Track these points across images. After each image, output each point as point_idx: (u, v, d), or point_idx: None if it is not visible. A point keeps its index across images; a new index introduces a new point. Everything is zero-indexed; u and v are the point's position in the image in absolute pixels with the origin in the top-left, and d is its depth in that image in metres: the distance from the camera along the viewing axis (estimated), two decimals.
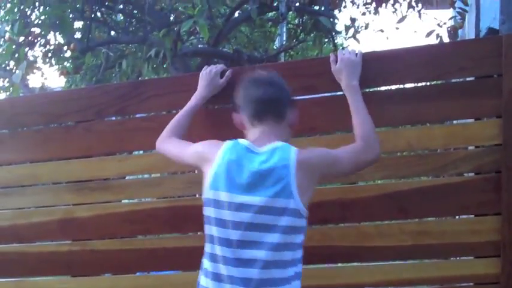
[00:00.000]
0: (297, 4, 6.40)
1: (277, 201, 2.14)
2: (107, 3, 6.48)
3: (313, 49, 8.43)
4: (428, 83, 2.86)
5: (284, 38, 7.89)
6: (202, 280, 2.26)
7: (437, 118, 2.72)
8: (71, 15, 6.27)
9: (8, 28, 6.11)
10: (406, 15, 6.27)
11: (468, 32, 3.96)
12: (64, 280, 3.19)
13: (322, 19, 5.70)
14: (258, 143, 2.25)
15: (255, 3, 5.80)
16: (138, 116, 3.14)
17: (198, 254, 2.92)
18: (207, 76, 2.73)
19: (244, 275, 2.13)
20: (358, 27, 6.72)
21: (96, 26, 6.92)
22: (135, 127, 3.00)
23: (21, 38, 6.31)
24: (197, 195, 3.01)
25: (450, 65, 2.63)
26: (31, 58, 6.75)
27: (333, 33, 7.12)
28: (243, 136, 2.36)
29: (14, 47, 6.17)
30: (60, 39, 6.83)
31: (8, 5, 6.15)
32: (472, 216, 2.74)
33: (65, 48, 6.94)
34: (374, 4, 6.70)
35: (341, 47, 10.52)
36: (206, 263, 2.26)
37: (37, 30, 6.45)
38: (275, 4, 6.22)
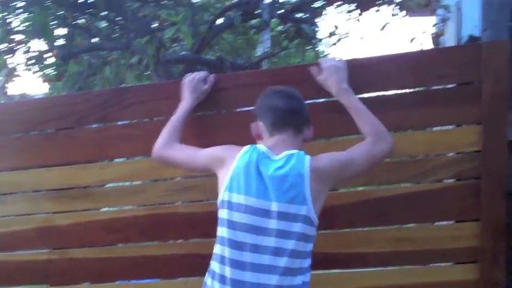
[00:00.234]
0: (280, 11, 6.41)
1: (291, 207, 2.17)
2: (89, 10, 6.45)
3: (296, 56, 8.45)
4: (409, 90, 2.88)
5: (267, 45, 7.89)
6: (209, 281, 2.27)
7: (418, 125, 2.73)
8: (53, 22, 6.23)
9: None
10: (388, 23, 6.32)
11: (449, 39, 3.99)
12: None
13: (305, 26, 5.72)
14: (275, 150, 2.27)
15: (238, 11, 5.81)
16: (119, 123, 3.13)
17: (178, 262, 2.93)
18: (190, 83, 2.73)
19: (253, 280, 2.15)
20: (341, 34, 6.75)
21: (79, 32, 6.87)
22: (117, 134, 2.99)
23: (2, 45, 6.27)
24: (178, 203, 3.00)
25: (431, 72, 2.65)
26: (12, 65, 6.69)
27: (316, 41, 7.14)
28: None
29: None
30: (43, 46, 6.79)
31: None
32: (452, 222, 2.75)
33: (47, 55, 6.90)
34: (357, 11, 6.72)
35: (323, 55, 10.55)
36: (214, 265, 2.26)
37: (19, 37, 6.41)
38: (258, 11, 6.22)
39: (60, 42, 6.66)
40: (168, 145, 2.58)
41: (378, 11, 6.52)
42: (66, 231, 3.03)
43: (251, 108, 2.60)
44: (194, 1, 6.51)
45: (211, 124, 2.84)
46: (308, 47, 7.46)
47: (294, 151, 2.25)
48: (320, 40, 7.46)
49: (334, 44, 6.58)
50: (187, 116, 2.69)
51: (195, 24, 5.69)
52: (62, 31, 6.76)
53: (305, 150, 2.34)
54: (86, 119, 3.00)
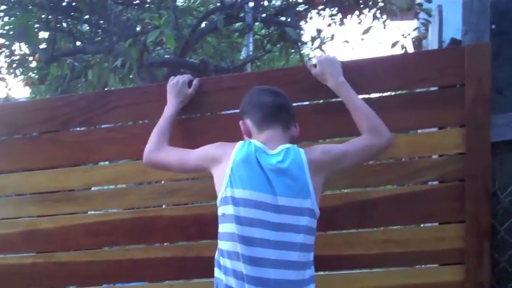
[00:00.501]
0: (264, 15, 6.42)
1: (296, 201, 2.18)
2: (72, 14, 6.42)
3: (280, 60, 8.46)
4: (392, 93, 2.90)
5: (251, 49, 7.91)
6: (223, 277, 2.22)
7: (401, 127, 2.75)
8: (36, 26, 6.20)
9: None
10: (371, 27, 6.34)
11: (431, 43, 4.02)
12: None
13: (289, 30, 5.73)
14: (268, 144, 2.27)
15: (222, 14, 5.81)
16: (103, 126, 3.12)
17: (164, 265, 2.92)
18: (175, 87, 2.72)
19: (263, 275, 2.14)
20: (324, 38, 6.76)
21: (62, 36, 6.84)
22: (101, 138, 2.98)
23: None
24: (163, 206, 3.00)
25: (414, 75, 2.67)
26: None
27: (299, 44, 7.16)
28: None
29: None
30: (25, 49, 6.75)
31: None
32: (437, 224, 2.77)
33: (30, 58, 6.87)
34: (339, 15, 6.75)
35: (307, 58, 10.58)
36: (225, 261, 2.23)
37: (1, 40, 6.38)
38: (241, 15, 6.23)
39: (43, 45, 6.63)
40: (157, 149, 2.57)
41: (359, 15, 6.54)
42: (52, 234, 3.01)
43: (235, 111, 2.61)
44: (178, 4, 6.50)
45: (196, 127, 2.84)
46: (292, 50, 7.48)
47: (289, 145, 2.27)
48: (305, 43, 7.48)
49: (317, 47, 6.57)
50: (173, 120, 2.68)
51: (179, 27, 5.69)
52: (45, 34, 6.73)
53: None
54: (70, 122, 2.99)
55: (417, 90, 2.78)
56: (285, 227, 2.17)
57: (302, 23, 6.80)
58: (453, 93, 2.64)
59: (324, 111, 2.74)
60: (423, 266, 2.86)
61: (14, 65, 7.03)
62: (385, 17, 6.49)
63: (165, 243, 3.06)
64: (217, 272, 2.26)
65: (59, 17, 6.14)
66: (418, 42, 5.97)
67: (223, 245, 2.24)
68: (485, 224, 2.61)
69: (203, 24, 6.50)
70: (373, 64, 2.69)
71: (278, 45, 7.13)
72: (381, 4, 6.37)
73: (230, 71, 6.14)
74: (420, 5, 6.04)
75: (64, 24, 6.65)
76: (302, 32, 7.23)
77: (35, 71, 7.16)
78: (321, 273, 2.81)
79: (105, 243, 3.03)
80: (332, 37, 7.16)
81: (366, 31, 6.22)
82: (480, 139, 2.59)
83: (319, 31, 6.60)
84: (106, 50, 6.04)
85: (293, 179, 2.19)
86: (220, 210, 2.26)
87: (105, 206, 3.07)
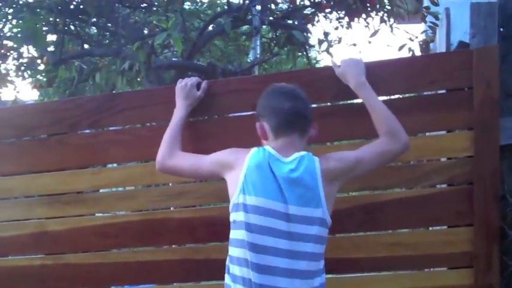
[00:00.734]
0: (271, 18, 6.43)
1: (307, 210, 2.17)
2: (80, 16, 6.45)
3: (287, 63, 8.47)
4: (400, 96, 2.89)
5: (258, 52, 7.92)
6: (232, 285, 2.23)
7: (409, 130, 2.73)
8: (44, 28, 6.23)
9: None
10: (378, 30, 6.34)
11: (439, 46, 4.01)
12: None
13: (296, 33, 5.74)
14: (283, 152, 2.26)
15: (229, 17, 5.82)
16: (111, 129, 3.13)
17: (172, 267, 2.92)
18: (183, 90, 2.71)
19: (270, 283, 2.14)
20: (331, 41, 6.75)
21: (70, 39, 6.87)
22: (109, 140, 2.98)
23: None
24: (171, 208, 3.00)
25: (422, 78, 2.66)
26: (3, 71, 6.69)
27: (307, 47, 7.16)
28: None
29: None
30: (33, 52, 6.78)
31: None
32: (445, 227, 2.76)
33: (38, 61, 6.90)
34: (347, 18, 6.75)
35: (315, 61, 10.58)
36: (234, 268, 2.23)
37: (10, 43, 6.40)
38: (249, 18, 6.24)
39: (51, 48, 6.65)
40: (170, 155, 2.56)
41: (366, 18, 6.54)
42: (60, 236, 3.01)
43: (243, 113, 2.61)
44: (185, 7, 6.51)
45: (203, 130, 2.84)
46: (299, 54, 7.48)
47: (303, 153, 2.25)
48: (312, 46, 7.48)
49: (324, 50, 6.57)
50: (182, 123, 2.67)
51: (186, 30, 5.70)
52: (53, 37, 6.76)
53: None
54: (78, 124, 2.99)
55: (425, 93, 2.78)
56: (294, 235, 2.17)
57: (309, 26, 6.80)
58: (461, 96, 2.63)
59: (331, 114, 2.73)
60: (431, 269, 2.85)
61: (22, 68, 7.06)
62: (392, 20, 6.48)
63: (173, 246, 3.06)
64: (227, 278, 2.27)
65: (67, 19, 6.17)
66: (425, 45, 5.97)
67: (233, 251, 2.24)
68: (494, 227, 2.60)
69: (210, 27, 6.52)
70: (381, 67, 2.69)
71: (285, 48, 7.14)
72: (388, 7, 6.36)
73: (237, 73, 6.15)
74: (428, 8, 6.03)
75: (72, 27, 6.68)
76: (309, 35, 7.22)
77: (43, 74, 7.19)
78: (329, 276, 2.81)
79: (113, 245, 3.03)
80: (339, 40, 7.17)
81: (373, 34, 6.23)
82: (489, 142, 2.59)
83: (326, 34, 6.60)
84: (114, 52, 6.06)
85: (305, 188, 2.18)
86: (232, 217, 2.27)
87: (113, 208, 3.07)
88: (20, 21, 5.84)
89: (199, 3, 7.87)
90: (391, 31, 6.52)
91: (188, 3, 7.18)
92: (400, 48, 5.89)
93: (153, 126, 2.97)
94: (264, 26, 6.46)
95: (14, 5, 5.98)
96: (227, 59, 7.91)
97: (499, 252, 2.60)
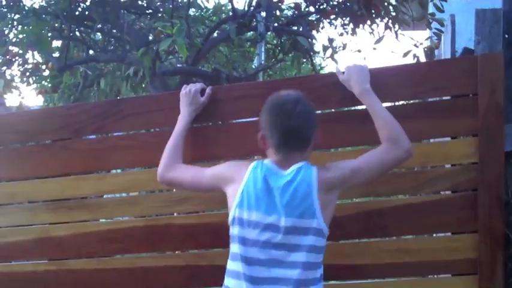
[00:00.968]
0: (276, 24, 6.43)
1: (301, 221, 2.17)
2: (85, 22, 6.46)
3: (292, 69, 8.47)
4: (405, 102, 2.89)
5: (262, 58, 7.92)
6: None
7: (414, 136, 2.73)
8: (49, 34, 6.25)
9: None
10: (383, 36, 6.34)
11: (444, 52, 4.01)
12: None
13: (301, 39, 5.74)
14: (282, 165, 2.26)
15: (234, 23, 5.83)
16: (116, 134, 3.13)
17: (176, 273, 2.92)
18: (187, 95, 2.71)
19: None
20: (336, 47, 6.75)
21: (75, 44, 6.88)
22: (113, 145, 2.99)
23: None
24: (175, 214, 3.00)
25: (426, 84, 2.65)
26: (8, 77, 6.70)
27: (311, 54, 7.16)
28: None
29: None
30: (39, 58, 6.80)
31: None
32: (449, 234, 2.76)
33: (43, 67, 6.91)
34: (351, 25, 6.75)
35: (319, 67, 10.58)
36: (229, 281, 2.25)
37: (15, 49, 6.42)
38: (254, 24, 6.24)
39: (56, 54, 6.67)
40: (171, 167, 2.56)
41: (371, 25, 6.54)
42: (64, 242, 3.02)
43: (247, 120, 2.61)
44: (190, 13, 6.52)
45: (208, 136, 2.84)
46: (304, 60, 7.48)
47: (301, 163, 2.24)
48: (316, 53, 7.48)
49: (329, 57, 6.57)
50: (186, 130, 2.68)
51: (191, 36, 5.71)
52: (58, 43, 6.78)
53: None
54: (83, 130, 3.00)
55: (430, 100, 2.77)
56: (288, 246, 2.18)
57: (314, 32, 6.80)
58: (466, 103, 2.63)
59: (336, 120, 2.73)
60: (435, 276, 2.85)
61: (27, 74, 7.08)
62: (397, 26, 6.48)
63: (177, 251, 3.06)
64: None
65: (72, 25, 6.18)
66: (430, 51, 5.96)
67: (229, 264, 2.28)
68: (499, 234, 2.59)
69: (215, 34, 6.53)
70: (385, 73, 2.68)
71: (290, 55, 7.14)
72: (393, 14, 6.36)
73: (242, 80, 6.16)
74: (433, 14, 6.03)
75: (77, 33, 6.69)
76: (314, 41, 7.22)
77: (48, 80, 7.20)
78: (332, 282, 2.81)
79: (117, 251, 3.03)
80: (344, 46, 7.17)
81: (378, 41, 6.23)
82: (493, 148, 2.58)
83: (331, 40, 6.60)
84: (119, 58, 6.07)
85: (300, 199, 2.18)
86: (230, 231, 2.29)
87: (117, 213, 3.08)
88: (26, 27, 5.85)
89: (205, 10, 7.88)
90: (396, 38, 6.51)
91: (193, 9, 7.18)
92: (405, 54, 5.89)
93: (158, 132, 2.98)
94: (268, 33, 6.46)
95: (20, 11, 5.99)
96: (232, 65, 7.92)
97: (503, 258, 2.59)
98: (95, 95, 6.90)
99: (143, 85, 6.06)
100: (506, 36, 2.77)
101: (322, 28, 7.03)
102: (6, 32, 6.10)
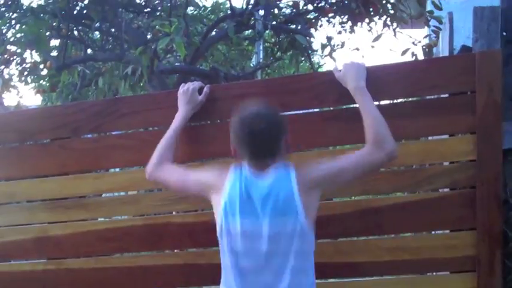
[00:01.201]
0: (274, 23, 6.42)
1: (285, 226, 2.17)
2: (83, 21, 6.45)
3: (290, 67, 8.46)
4: (403, 100, 2.89)
5: (261, 56, 7.92)
6: None
7: (412, 134, 2.74)
8: (47, 33, 6.23)
9: None
10: (381, 34, 6.33)
11: (442, 50, 4.01)
12: None
13: (299, 37, 5.73)
14: (258, 169, 2.24)
15: (232, 22, 5.82)
16: (114, 133, 3.13)
17: (175, 272, 2.92)
18: (185, 94, 2.72)
19: None
20: (334, 45, 6.74)
21: (73, 43, 6.87)
22: (111, 144, 2.99)
23: None
24: (174, 213, 3.00)
25: (424, 82, 2.65)
26: (6, 76, 6.69)
27: (310, 52, 7.15)
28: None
29: None
30: (37, 57, 6.79)
31: None
32: (448, 231, 2.76)
33: (41, 66, 6.91)
34: (350, 23, 6.74)
35: (318, 65, 10.58)
36: None
37: (13, 48, 6.41)
38: (252, 22, 6.23)
39: (54, 53, 6.66)
40: (159, 165, 2.57)
41: (369, 23, 6.53)
42: (63, 241, 3.02)
43: None
44: (188, 12, 6.51)
45: (206, 134, 2.84)
46: (302, 58, 7.47)
47: (279, 166, 2.24)
48: (315, 51, 7.47)
49: (327, 55, 6.56)
50: (182, 128, 2.68)
51: (189, 35, 5.70)
52: (56, 42, 6.77)
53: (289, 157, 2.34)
54: (81, 129, 3.00)
55: (428, 97, 2.77)
56: (274, 253, 2.18)
57: (312, 30, 6.79)
58: (464, 100, 2.63)
59: (333, 119, 2.73)
60: (434, 273, 2.85)
61: (25, 73, 7.06)
62: (395, 24, 6.47)
63: (175, 250, 3.06)
64: None
65: (70, 24, 6.17)
66: (428, 49, 5.96)
67: (222, 273, 2.30)
68: (497, 231, 2.59)
69: (213, 32, 6.51)
70: (383, 71, 2.68)
71: (288, 53, 7.13)
72: (391, 12, 6.35)
73: (240, 78, 6.15)
74: (431, 12, 6.02)
75: (75, 32, 6.68)
76: (312, 39, 7.22)
77: (46, 79, 7.18)
78: (331, 280, 2.81)
79: (115, 249, 3.04)
80: (342, 45, 7.16)
81: (377, 39, 6.22)
82: (491, 146, 2.58)
83: (329, 39, 6.59)
84: (117, 57, 6.06)
85: (281, 204, 2.18)
86: (219, 241, 2.30)
87: (115, 212, 3.08)
88: (24, 26, 5.84)
89: (203, 8, 7.87)
90: (394, 35, 6.51)
91: (191, 7, 7.17)
92: (403, 52, 5.87)
93: (156, 130, 2.98)
94: (267, 31, 6.45)
95: (18, 10, 5.98)
96: (230, 64, 7.91)
97: (501, 256, 2.60)
98: (93, 94, 6.88)
99: (141, 84, 6.05)
100: (504, 34, 2.77)
101: (320, 26, 7.01)
102: (4, 31, 6.09)
